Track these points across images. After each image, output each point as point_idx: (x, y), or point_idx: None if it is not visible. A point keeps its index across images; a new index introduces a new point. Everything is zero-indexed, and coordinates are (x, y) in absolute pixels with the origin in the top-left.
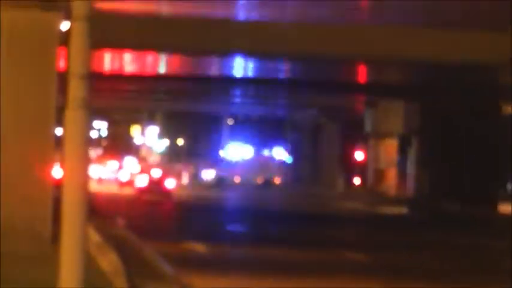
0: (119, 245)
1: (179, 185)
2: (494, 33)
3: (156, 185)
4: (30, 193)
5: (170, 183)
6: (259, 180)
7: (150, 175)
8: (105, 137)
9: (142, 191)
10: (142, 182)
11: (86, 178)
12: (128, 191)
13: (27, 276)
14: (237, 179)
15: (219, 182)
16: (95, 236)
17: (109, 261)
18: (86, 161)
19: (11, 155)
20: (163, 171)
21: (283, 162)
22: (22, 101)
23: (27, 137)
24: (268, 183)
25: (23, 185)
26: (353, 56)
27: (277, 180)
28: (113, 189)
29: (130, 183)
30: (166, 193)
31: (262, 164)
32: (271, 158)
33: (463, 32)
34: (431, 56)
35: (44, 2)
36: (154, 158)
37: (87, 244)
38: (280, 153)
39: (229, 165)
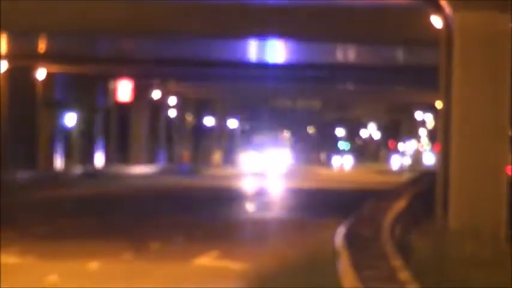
0: None
1: None
2: None
3: None
4: (487, 194)
5: None
6: None
7: None
8: None
9: None
10: None
11: None
12: None
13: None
14: None
15: None
16: None
17: None
18: None
19: (466, 154)
20: None
21: None
22: (476, 102)
23: (482, 137)
24: None
25: (480, 185)
26: None
27: None
28: None
29: None
30: None
31: None
32: None
33: None
34: None
35: (499, 3)
36: None
37: None
38: None
39: None
